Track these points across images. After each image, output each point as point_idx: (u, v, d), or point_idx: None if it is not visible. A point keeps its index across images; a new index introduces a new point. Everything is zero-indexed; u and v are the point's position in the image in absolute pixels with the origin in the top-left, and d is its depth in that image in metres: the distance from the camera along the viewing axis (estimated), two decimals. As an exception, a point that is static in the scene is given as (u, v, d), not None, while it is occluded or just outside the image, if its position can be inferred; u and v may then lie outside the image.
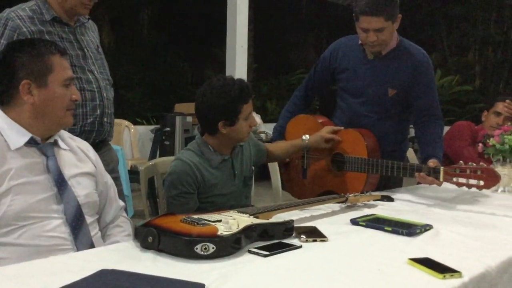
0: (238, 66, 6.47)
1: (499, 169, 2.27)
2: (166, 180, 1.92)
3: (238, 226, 1.35)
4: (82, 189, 1.53)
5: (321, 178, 2.42)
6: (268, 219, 1.53)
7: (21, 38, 1.91)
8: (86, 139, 1.98)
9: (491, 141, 2.29)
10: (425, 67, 2.35)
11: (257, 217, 1.50)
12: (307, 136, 2.31)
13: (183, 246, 1.24)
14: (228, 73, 6.54)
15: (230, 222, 1.37)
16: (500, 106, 2.78)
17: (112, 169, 2.12)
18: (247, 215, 1.50)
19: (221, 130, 1.90)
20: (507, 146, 2.23)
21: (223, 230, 1.30)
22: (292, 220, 1.50)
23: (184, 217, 1.40)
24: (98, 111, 2.04)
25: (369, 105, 2.39)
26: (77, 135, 1.96)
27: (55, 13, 2.01)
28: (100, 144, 2.10)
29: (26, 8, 1.99)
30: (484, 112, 2.89)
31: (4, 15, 1.96)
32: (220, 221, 1.38)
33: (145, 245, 1.30)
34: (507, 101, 2.74)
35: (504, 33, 9.79)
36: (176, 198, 1.87)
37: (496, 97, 2.93)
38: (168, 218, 1.42)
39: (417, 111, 2.37)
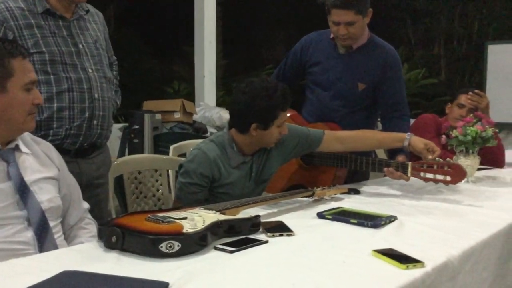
0: (207, 62, 6.47)
1: (462, 160, 2.32)
2: (183, 166, 1.89)
3: (204, 223, 1.35)
4: (44, 194, 1.49)
5: (290, 172, 2.43)
6: (235, 215, 1.53)
7: (7, 32, 1.82)
8: (73, 143, 1.93)
9: (454, 133, 2.34)
10: (395, 64, 2.39)
11: (223, 214, 1.50)
12: (411, 134, 2.11)
13: (147, 245, 1.22)
14: (197, 70, 6.56)
15: (196, 219, 1.36)
16: (463, 98, 2.83)
17: (100, 175, 2.06)
18: (214, 211, 1.49)
19: (251, 131, 1.88)
20: (469, 137, 2.28)
21: (188, 227, 1.29)
22: (259, 216, 1.50)
23: (149, 215, 1.39)
24: (87, 113, 1.94)
25: (339, 99, 2.41)
26: (62, 139, 1.90)
27: (48, 5, 1.90)
28: (90, 148, 2.01)
29: None
30: (448, 105, 2.94)
31: None
32: (185, 218, 1.37)
33: (109, 245, 1.28)
34: (470, 93, 2.79)
35: (468, 26, 10.01)
36: (188, 186, 1.86)
37: (459, 90, 2.99)
38: (133, 217, 1.41)
39: (384, 107, 2.41)
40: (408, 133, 2.13)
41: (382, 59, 2.35)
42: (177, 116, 5.46)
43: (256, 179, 2.00)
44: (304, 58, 2.49)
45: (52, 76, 1.89)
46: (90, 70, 1.96)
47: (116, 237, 1.26)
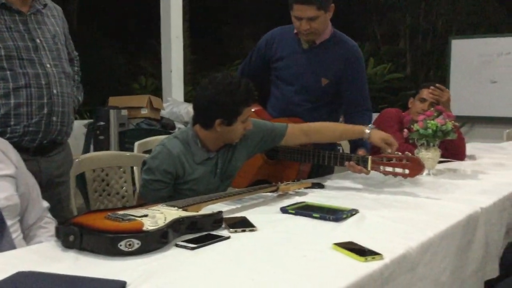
0: (174, 57, 6.41)
1: (423, 153, 2.36)
2: (147, 163, 1.88)
3: (165, 220, 1.33)
4: (1, 192, 1.45)
5: (255, 167, 2.43)
6: (197, 212, 1.52)
7: None
8: (32, 141, 1.88)
9: (415, 127, 2.38)
10: (357, 59, 2.41)
11: (186, 210, 1.49)
12: (372, 126, 2.15)
13: (106, 244, 1.20)
14: (164, 65, 6.49)
15: (157, 216, 1.35)
16: (425, 93, 2.88)
17: (62, 173, 2.01)
18: (176, 208, 1.48)
19: (216, 127, 1.86)
20: (430, 131, 2.32)
21: (149, 225, 1.28)
22: (221, 212, 1.50)
23: (109, 213, 1.37)
24: (45, 109, 1.89)
25: (303, 94, 2.43)
26: (20, 136, 1.85)
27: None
28: (50, 145, 1.96)
29: None
30: (411, 99, 2.99)
31: None
32: (146, 216, 1.35)
33: (67, 244, 1.25)
34: (432, 87, 2.84)
35: (433, 22, 10.20)
36: (151, 183, 1.84)
37: (422, 84, 3.04)
38: (93, 216, 1.38)
39: (347, 102, 2.43)
40: (370, 125, 2.16)
41: (345, 54, 2.37)
42: (144, 112, 5.40)
43: (221, 175, 1.99)
44: (269, 53, 2.49)
45: (8, 72, 1.84)
46: (48, 66, 1.91)
47: (74, 236, 1.24)
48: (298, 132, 2.15)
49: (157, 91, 8.66)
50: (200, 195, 1.72)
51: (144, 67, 11.26)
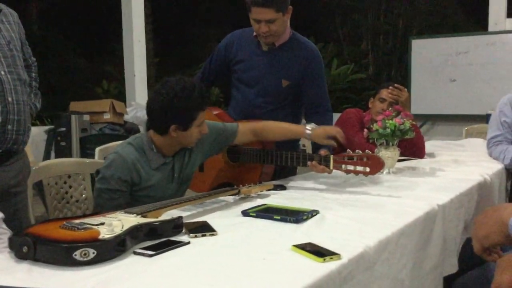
0: (137, 61, 6.35)
1: (383, 152, 2.40)
2: (100, 172, 1.83)
3: (122, 227, 1.31)
4: None
5: (218, 170, 2.43)
6: (157, 218, 1.50)
7: None
8: None
9: (375, 126, 2.42)
10: (316, 59, 2.44)
11: (145, 216, 1.47)
12: (313, 126, 2.18)
13: (60, 254, 1.18)
14: (126, 69, 6.41)
15: (114, 224, 1.33)
16: (384, 93, 2.92)
17: (18, 182, 1.94)
18: (134, 215, 1.46)
19: (171, 133, 1.84)
20: (388, 130, 2.36)
21: (105, 233, 1.26)
22: (181, 217, 1.48)
23: (64, 222, 1.34)
24: (0, 118, 1.83)
25: (264, 96, 2.44)
26: None
27: None
28: (5, 155, 1.89)
29: None
30: (371, 99, 3.04)
31: None
32: (103, 224, 1.33)
33: (20, 256, 1.22)
34: (390, 87, 2.90)
35: (393, 22, 10.40)
36: (106, 192, 1.80)
37: (381, 84, 3.10)
38: (47, 225, 1.35)
39: (307, 103, 2.45)
40: (311, 125, 2.19)
41: (304, 56, 2.39)
42: (107, 117, 5.33)
43: (178, 180, 1.98)
44: (229, 56, 2.49)
45: None
46: (2, 73, 1.86)
47: (27, 247, 1.20)
48: (248, 131, 2.18)
49: (121, 96, 8.55)
50: (158, 201, 1.70)
51: (107, 71, 11.09)
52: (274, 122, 2.27)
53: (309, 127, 2.17)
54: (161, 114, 1.83)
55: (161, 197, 1.85)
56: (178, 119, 1.83)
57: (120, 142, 2.05)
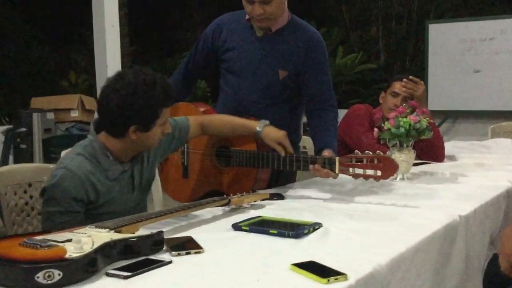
0: (110, 50, 6.32)
1: (396, 155, 2.41)
2: (46, 193, 1.78)
3: (93, 244, 1.31)
4: None
5: (205, 177, 2.43)
6: (133, 232, 1.50)
7: None
8: None
9: (386, 125, 2.42)
10: (318, 47, 2.43)
11: (119, 231, 1.47)
12: (266, 123, 2.23)
13: (20, 276, 1.17)
14: (97, 59, 6.39)
15: (83, 240, 1.32)
16: (397, 86, 2.93)
17: None
18: (107, 229, 1.46)
19: (130, 134, 1.81)
20: (402, 130, 2.37)
21: (72, 251, 1.26)
22: (161, 231, 1.48)
23: (25, 239, 1.33)
24: None
25: (258, 90, 2.44)
26: None
27: None
28: None
29: None
30: (382, 94, 3.05)
31: None
32: (70, 240, 1.33)
33: (-27, 279, 1.22)
34: (404, 79, 2.91)
35: (408, 5, 10.43)
36: (57, 216, 1.76)
37: (393, 76, 3.11)
38: (5, 242, 1.35)
39: (309, 98, 2.45)
40: (262, 121, 2.23)
41: (305, 43, 2.39)
42: (75, 114, 5.33)
43: (139, 188, 1.98)
44: (216, 43, 2.49)
45: None
46: None
47: (-19, 269, 1.20)
48: (197, 125, 2.21)
49: (91, 90, 8.53)
50: (119, 216, 1.67)
51: (75, 61, 11.06)
52: (224, 115, 2.33)
53: (260, 124, 2.21)
54: (118, 114, 1.79)
55: (122, 211, 1.83)
56: (139, 119, 1.80)
57: (65, 151, 2.03)
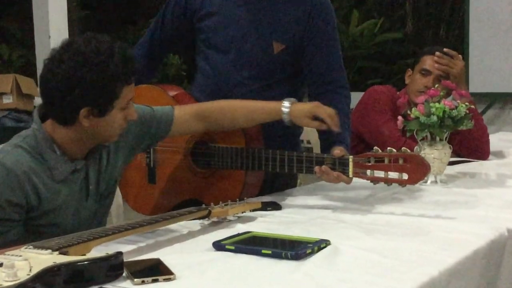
0: (53, 16, 6.31)
1: (427, 152, 2.42)
2: None
3: (30, 270, 1.32)
4: None
5: (178, 182, 2.44)
6: (84, 254, 1.50)
7: None
8: None
9: (414, 113, 2.43)
10: (324, 11, 2.45)
11: (65, 253, 1.47)
12: (292, 100, 2.19)
13: None
14: (37, 27, 6.38)
15: (18, 265, 1.32)
16: (428, 62, 2.94)
17: None
18: (49, 251, 1.46)
19: (81, 120, 1.81)
20: (435, 118, 2.37)
21: (4, 278, 1.26)
22: (120, 252, 1.48)
23: None
24: None
25: (246, 67, 2.45)
26: None
27: None
28: None
29: None
30: (408, 72, 3.06)
31: None
32: (1, 265, 1.33)
33: None
34: (437, 53, 2.91)
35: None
36: None
37: (424, 49, 3.11)
38: None
39: (312, 78, 2.47)
40: (292, 99, 2.20)
41: (306, 6, 2.41)
42: (8, 100, 5.33)
43: (96, 194, 1.97)
44: (191, 6, 2.50)
45: None
46: None
47: None
48: (188, 115, 2.19)
49: (29, 68, 8.52)
50: (69, 230, 1.67)
51: (7, 31, 11.07)
52: (232, 101, 2.30)
53: (286, 103, 2.17)
54: (65, 93, 1.78)
55: (73, 224, 1.85)
56: (91, 99, 1.79)
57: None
